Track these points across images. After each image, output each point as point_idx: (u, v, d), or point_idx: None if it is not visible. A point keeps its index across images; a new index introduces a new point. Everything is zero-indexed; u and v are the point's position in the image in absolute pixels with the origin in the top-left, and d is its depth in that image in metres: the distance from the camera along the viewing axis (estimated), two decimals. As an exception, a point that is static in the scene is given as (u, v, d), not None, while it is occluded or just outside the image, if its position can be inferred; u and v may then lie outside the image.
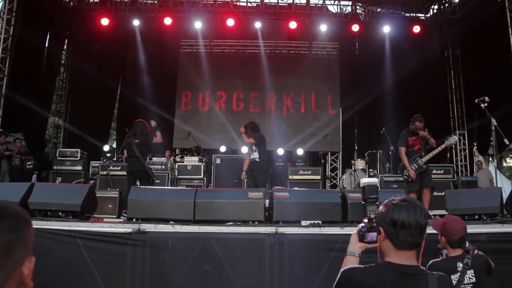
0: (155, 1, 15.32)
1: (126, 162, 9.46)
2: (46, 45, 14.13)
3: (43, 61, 13.99)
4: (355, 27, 14.42)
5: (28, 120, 12.79)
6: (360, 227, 2.47)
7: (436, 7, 15.70)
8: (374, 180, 3.16)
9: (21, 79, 12.13)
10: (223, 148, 13.37)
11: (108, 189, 9.51)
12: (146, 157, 9.04)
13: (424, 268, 2.14)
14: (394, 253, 2.11)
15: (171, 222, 5.52)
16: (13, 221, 1.11)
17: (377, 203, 3.27)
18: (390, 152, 11.70)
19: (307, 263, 5.14)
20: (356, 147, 15.21)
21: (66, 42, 15.62)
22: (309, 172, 11.50)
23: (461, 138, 14.59)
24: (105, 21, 14.43)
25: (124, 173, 10.33)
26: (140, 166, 8.56)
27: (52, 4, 13.90)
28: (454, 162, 14.04)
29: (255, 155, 8.81)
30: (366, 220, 2.50)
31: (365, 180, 2.92)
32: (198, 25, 14.38)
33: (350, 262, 2.37)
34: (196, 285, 5.12)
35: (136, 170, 8.61)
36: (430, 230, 2.71)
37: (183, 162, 11.60)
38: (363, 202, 2.72)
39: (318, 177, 11.51)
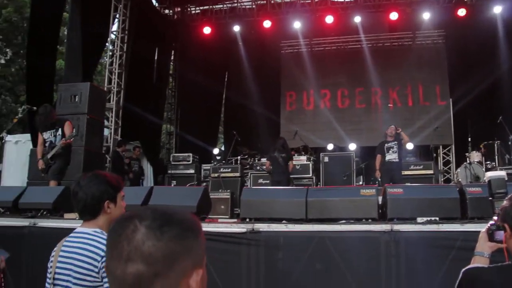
0: (253, 6, 15.59)
1: (270, 173, 10.62)
2: (156, 57, 15.00)
3: (154, 73, 14.87)
4: (461, 12, 13.49)
5: (143, 129, 13.63)
6: (489, 225, 2.29)
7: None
8: (501, 173, 2.87)
9: (135, 91, 12.97)
10: (330, 146, 13.21)
11: (220, 190, 9.87)
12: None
13: None
14: None
15: (283, 222, 5.56)
16: (177, 229, 1.06)
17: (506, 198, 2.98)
18: (510, 142, 10.87)
19: (426, 262, 4.91)
20: (470, 139, 14.32)
21: (173, 53, 16.46)
22: (421, 167, 11.02)
23: None
24: (207, 30, 14.99)
25: (234, 174, 11.33)
26: (285, 176, 10.11)
27: (158, 19, 14.74)
28: None
29: (394, 156, 9.61)
30: (495, 218, 2.32)
31: (490, 174, 2.66)
32: (297, 25, 14.40)
33: (479, 263, 2.21)
34: (311, 283, 5.11)
35: (282, 180, 9.94)
36: None
37: (293, 159, 11.63)
38: (489, 198, 2.48)
39: (431, 171, 10.98)
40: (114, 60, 12.29)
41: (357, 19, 14.05)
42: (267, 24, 14.39)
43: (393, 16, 13.63)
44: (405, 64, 14.43)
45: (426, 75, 14.31)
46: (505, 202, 2.04)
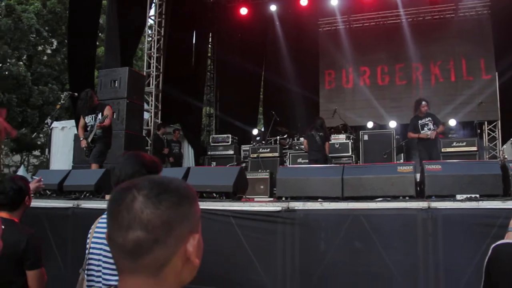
0: (290, -16, 15.43)
1: (307, 153, 10.51)
2: (194, 40, 15.11)
3: (192, 56, 15.00)
4: (509, -21, 12.92)
5: (184, 111, 13.81)
6: None
7: None
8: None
9: (174, 75, 13.12)
10: (370, 124, 13.01)
11: (259, 170, 9.94)
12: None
13: None
14: None
15: (319, 200, 5.55)
16: (173, 197, 1.11)
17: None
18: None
19: (465, 240, 4.79)
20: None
21: (210, 35, 16.52)
22: (464, 144, 10.68)
23: None
24: (244, 11, 14.99)
25: (273, 154, 11.44)
26: (322, 155, 10.03)
27: (195, 2, 14.77)
28: None
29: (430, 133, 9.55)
30: None
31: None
32: (334, 2, 14.17)
33: None
34: (346, 261, 5.10)
35: (319, 158, 9.93)
36: None
37: (330, 140, 11.58)
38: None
39: (474, 148, 10.62)
40: (152, 45, 12.49)
41: (396, -8, 13.67)
42: (303, 2, 14.24)
43: (434, -12, 13.18)
44: (447, 37, 13.88)
45: (469, 48, 13.69)
46: None
